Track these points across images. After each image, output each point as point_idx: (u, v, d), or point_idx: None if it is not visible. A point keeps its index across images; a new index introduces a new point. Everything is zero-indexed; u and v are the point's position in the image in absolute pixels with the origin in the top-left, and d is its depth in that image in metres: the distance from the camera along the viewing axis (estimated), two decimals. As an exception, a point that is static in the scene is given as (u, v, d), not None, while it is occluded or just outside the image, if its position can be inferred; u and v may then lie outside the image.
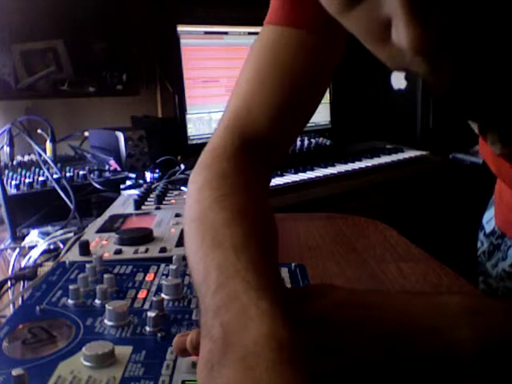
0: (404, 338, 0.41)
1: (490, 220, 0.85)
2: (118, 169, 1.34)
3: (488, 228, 0.85)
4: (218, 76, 1.79)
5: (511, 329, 0.41)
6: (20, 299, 0.70)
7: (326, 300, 0.43)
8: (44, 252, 0.87)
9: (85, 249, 0.70)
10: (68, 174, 1.20)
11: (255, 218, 0.49)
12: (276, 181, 1.50)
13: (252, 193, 0.53)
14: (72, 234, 0.90)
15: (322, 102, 2.08)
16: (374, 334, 0.41)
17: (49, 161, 1.17)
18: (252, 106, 0.61)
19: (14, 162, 1.29)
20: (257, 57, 0.62)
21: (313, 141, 1.82)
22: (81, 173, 1.22)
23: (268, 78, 0.60)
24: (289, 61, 0.60)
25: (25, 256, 0.88)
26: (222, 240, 0.45)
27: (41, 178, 1.15)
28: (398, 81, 2.06)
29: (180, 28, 1.70)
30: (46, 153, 1.22)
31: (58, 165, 1.20)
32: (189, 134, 1.72)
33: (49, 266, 0.73)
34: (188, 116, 1.71)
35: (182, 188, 1.22)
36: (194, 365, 0.42)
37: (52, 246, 0.89)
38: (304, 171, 1.59)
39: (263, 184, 0.60)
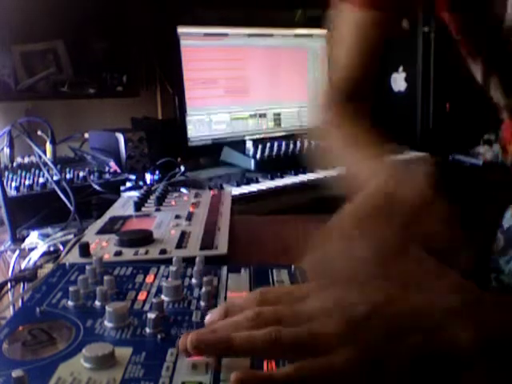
0: (407, 332, 0.41)
1: (509, 218, 0.86)
2: (118, 170, 1.35)
3: (506, 224, 0.86)
4: (218, 77, 1.79)
5: (509, 323, 0.42)
6: (20, 301, 0.70)
7: (326, 296, 0.45)
8: (44, 254, 0.87)
9: (85, 250, 0.70)
10: (68, 176, 1.20)
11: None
12: (276, 182, 1.50)
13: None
14: (72, 236, 0.90)
15: (322, 103, 2.00)
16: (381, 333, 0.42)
17: (49, 162, 1.17)
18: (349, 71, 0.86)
19: (14, 164, 1.29)
20: (347, 40, 0.85)
21: (313, 142, 1.82)
22: (81, 174, 1.22)
23: (358, 54, 0.85)
24: (370, 38, 0.84)
25: (25, 258, 0.88)
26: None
27: (41, 180, 1.15)
28: (398, 82, 2.06)
29: (180, 29, 1.70)
30: (45, 154, 1.23)
31: (58, 166, 1.20)
32: (189, 135, 1.72)
33: (49, 267, 0.73)
34: (188, 117, 1.71)
35: (182, 189, 1.22)
36: (194, 366, 0.42)
37: (52, 248, 0.89)
38: (304, 173, 1.59)
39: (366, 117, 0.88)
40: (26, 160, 1.33)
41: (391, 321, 0.43)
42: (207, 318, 0.47)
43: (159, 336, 0.47)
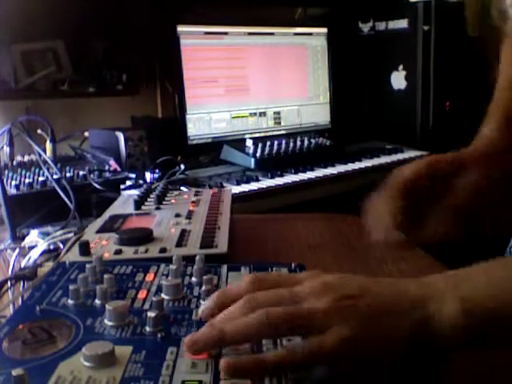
0: (395, 310, 0.43)
1: None
2: (118, 169, 1.35)
3: None
4: (218, 76, 1.79)
5: (492, 290, 0.43)
6: (20, 299, 0.70)
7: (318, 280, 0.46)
8: (44, 252, 0.87)
9: (85, 249, 0.70)
10: (68, 174, 1.20)
11: None
12: (276, 181, 1.50)
13: None
14: (72, 234, 0.90)
15: (322, 101, 2.08)
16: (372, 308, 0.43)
17: (49, 161, 1.17)
18: None
19: (14, 162, 1.29)
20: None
21: (312, 141, 1.82)
22: (81, 173, 1.22)
23: None
24: None
25: (25, 256, 0.88)
26: None
27: (41, 178, 1.15)
28: (398, 81, 2.06)
29: (180, 28, 1.70)
30: (45, 153, 1.22)
31: (58, 165, 1.20)
32: (189, 134, 1.72)
33: (49, 266, 0.74)
34: (188, 116, 1.71)
35: (182, 188, 1.22)
36: (194, 365, 0.42)
37: (52, 246, 0.89)
38: (304, 171, 1.59)
39: None
40: (26, 158, 1.33)
41: (381, 299, 0.44)
42: (200, 309, 0.48)
43: (159, 335, 0.47)
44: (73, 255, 0.70)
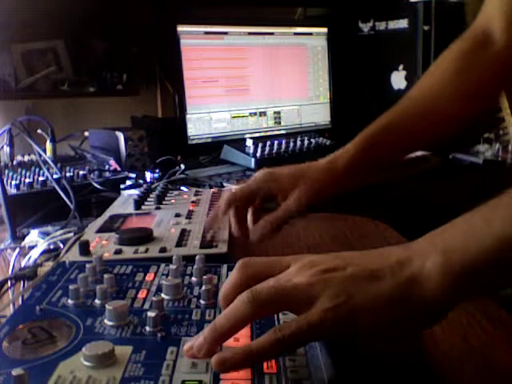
0: (378, 275, 0.42)
1: None
2: (118, 169, 1.34)
3: None
4: (218, 76, 1.79)
5: (472, 237, 0.41)
6: (20, 299, 0.70)
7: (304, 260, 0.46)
8: (44, 252, 0.87)
9: (85, 249, 0.70)
10: (68, 174, 1.20)
11: None
12: (276, 181, 1.50)
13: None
14: (72, 234, 0.90)
15: (322, 101, 2.08)
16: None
17: (49, 161, 1.17)
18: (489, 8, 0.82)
19: (14, 162, 1.29)
20: None
21: (313, 141, 1.82)
22: (81, 173, 1.22)
23: None
24: None
25: (25, 256, 0.88)
26: None
27: (41, 178, 1.15)
28: (398, 81, 2.06)
29: (180, 28, 1.70)
30: (46, 153, 1.22)
31: (58, 165, 1.20)
32: (189, 134, 1.72)
33: (49, 265, 0.74)
34: (188, 116, 1.71)
35: (182, 188, 1.22)
36: (194, 365, 0.42)
37: (52, 246, 0.89)
38: (304, 171, 1.59)
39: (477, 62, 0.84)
40: (26, 158, 1.33)
41: (364, 267, 0.43)
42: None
43: (159, 334, 0.47)
44: (73, 255, 0.70)
